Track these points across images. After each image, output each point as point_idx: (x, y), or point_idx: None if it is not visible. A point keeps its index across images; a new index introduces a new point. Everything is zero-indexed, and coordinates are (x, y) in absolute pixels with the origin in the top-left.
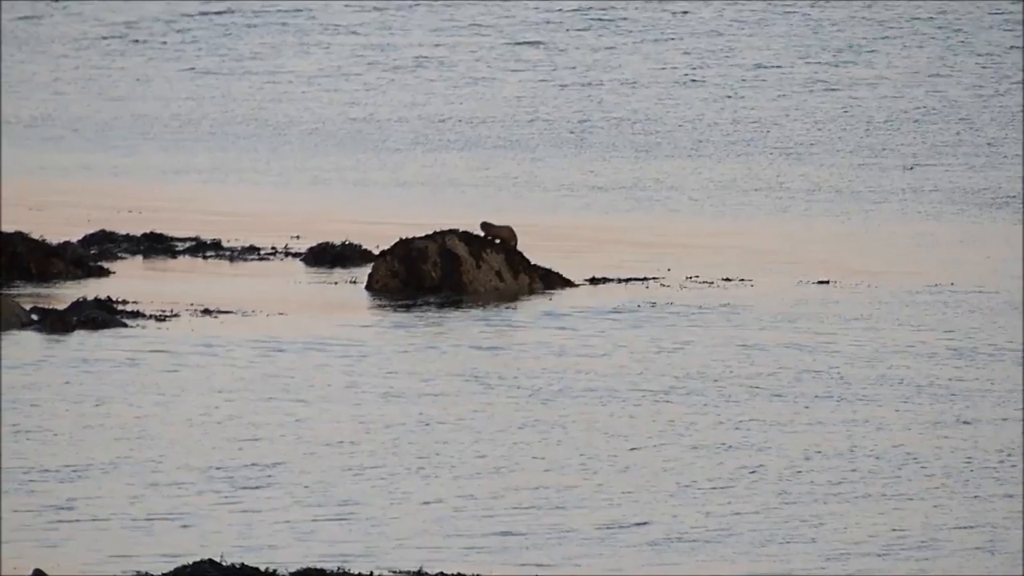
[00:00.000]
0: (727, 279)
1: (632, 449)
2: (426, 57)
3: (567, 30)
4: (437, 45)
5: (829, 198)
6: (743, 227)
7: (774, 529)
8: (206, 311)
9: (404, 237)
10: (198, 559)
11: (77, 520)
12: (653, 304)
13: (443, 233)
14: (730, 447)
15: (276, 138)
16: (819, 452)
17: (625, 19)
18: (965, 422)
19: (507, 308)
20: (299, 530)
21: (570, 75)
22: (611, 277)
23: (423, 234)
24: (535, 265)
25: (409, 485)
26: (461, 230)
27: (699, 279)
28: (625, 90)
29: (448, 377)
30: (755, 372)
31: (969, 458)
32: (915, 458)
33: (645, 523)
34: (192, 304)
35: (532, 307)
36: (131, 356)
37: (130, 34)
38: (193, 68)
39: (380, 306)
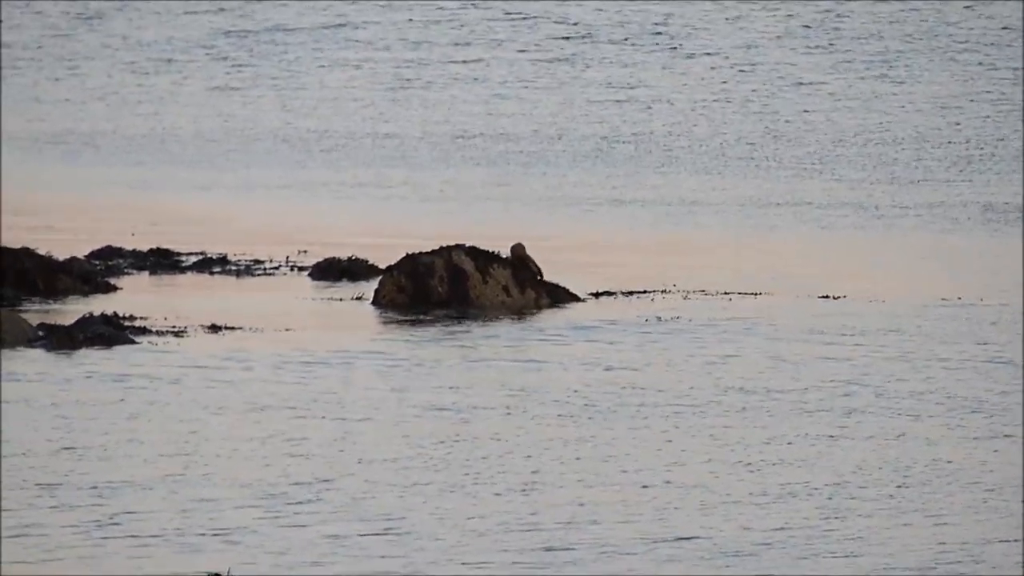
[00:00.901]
0: (727, 293)
1: (673, 463)
2: (455, 74)
3: (595, 42)
4: (465, 61)
5: (848, 213)
6: (757, 242)
7: (815, 544)
8: (214, 327)
9: (411, 252)
10: (205, 572)
11: (119, 536)
12: (659, 318)
13: (450, 248)
14: (772, 462)
15: (301, 154)
16: (862, 466)
17: (658, 34)
18: (1007, 435)
19: (529, 322)
20: (341, 546)
21: (597, 91)
22: (617, 291)
23: (430, 249)
24: (542, 280)
25: (451, 500)
26: (468, 245)
27: (705, 293)
28: (652, 105)
29: (484, 391)
30: (791, 386)
31: (1009, 472)
32: (958, 472)
33: (687, 538)
34: (200, 320)
35: (553, 320)
36: (159, 373)
37: (161, 53)
38: (220, 86)
39: (396, 321)
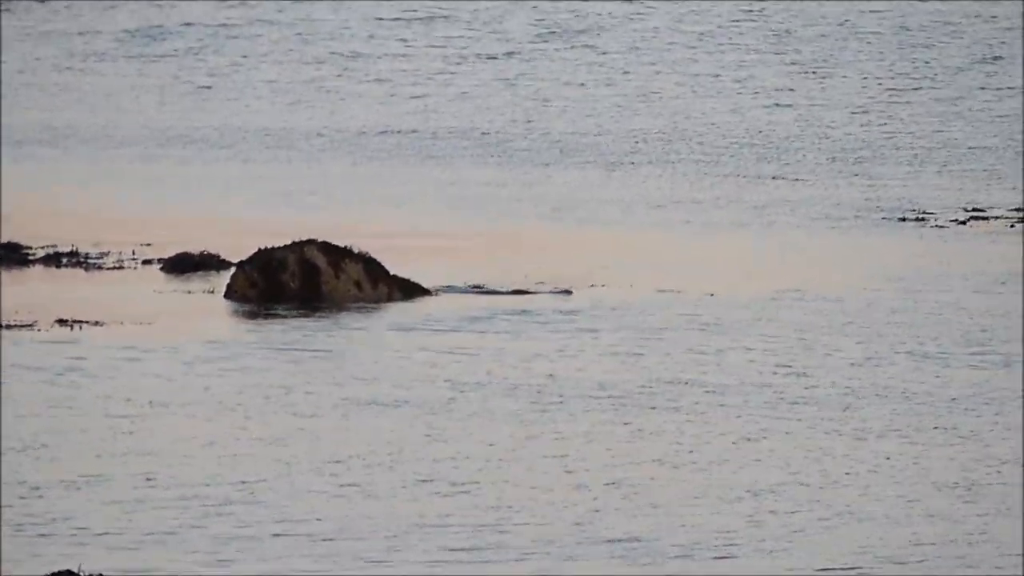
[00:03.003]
0: (569, 290)
1: (608, 451)
2: (354, 70)
3: (499, 39)
4: (362, 55)
5: (732, 210)
6: (624, 238)
7: (746, 543)
8: (62, 321)
9: (263, 247)
10: (60, 569)
11: (28, 536)
12: (524, 311)
13: (302, 243)
14: (711, 461)
15: (189, 149)
16: (798, 465)
17: (561, 30)
18: (936, 428)
19: (404, 313)
20: (258, 546)
21: (498, 87)
22: (461, 284)
23: (282, 244)
24: (393, 275)
25: (374, 500)
26: (320, 240)
27: (556, 287)
28: (550, 101)
29: (410, 385)
30: (724, 380)
31: (941, 470)
32: (897, 472)
33: (624, 539)
34: (54, 314)
35: (424, 311)
36: (65, 366)
37: (83, 47)
38: (134, 82)
39: (265, 314)
